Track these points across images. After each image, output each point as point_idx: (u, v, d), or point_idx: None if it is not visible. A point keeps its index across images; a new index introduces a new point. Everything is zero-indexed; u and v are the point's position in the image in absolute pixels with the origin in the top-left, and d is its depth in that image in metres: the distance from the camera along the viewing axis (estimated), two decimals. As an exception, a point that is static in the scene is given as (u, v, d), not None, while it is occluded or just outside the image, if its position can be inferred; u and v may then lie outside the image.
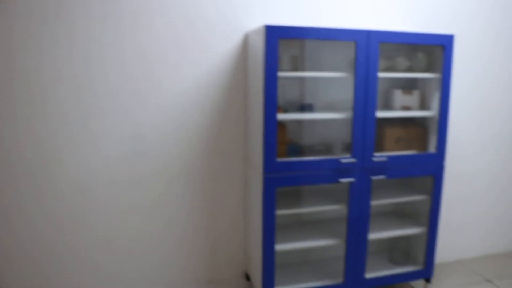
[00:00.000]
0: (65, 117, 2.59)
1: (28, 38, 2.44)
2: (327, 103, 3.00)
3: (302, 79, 2.92)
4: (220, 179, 2.95)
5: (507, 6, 3.43)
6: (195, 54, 2.75)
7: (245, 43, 2.82)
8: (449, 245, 3.71)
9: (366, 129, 2.62)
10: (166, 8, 2.65)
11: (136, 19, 2.60)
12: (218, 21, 2.75)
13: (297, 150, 2.82)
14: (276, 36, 2.34)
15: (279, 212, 2.63)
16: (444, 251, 3.70)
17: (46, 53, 2.49)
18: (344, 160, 2.62)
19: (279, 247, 2.69)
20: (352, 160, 2.63)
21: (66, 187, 2.66)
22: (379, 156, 2.71)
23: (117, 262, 2.84)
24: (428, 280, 3.11)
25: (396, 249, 3.17)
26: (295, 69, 2.73)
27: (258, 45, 2.46)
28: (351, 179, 2.65)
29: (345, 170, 2.64)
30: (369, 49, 2.53)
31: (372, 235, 2.89)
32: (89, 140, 2.65)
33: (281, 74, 2.47)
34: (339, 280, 2.86)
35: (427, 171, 2.86)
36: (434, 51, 2.87)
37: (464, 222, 3.72)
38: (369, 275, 2.93)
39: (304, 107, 2.79)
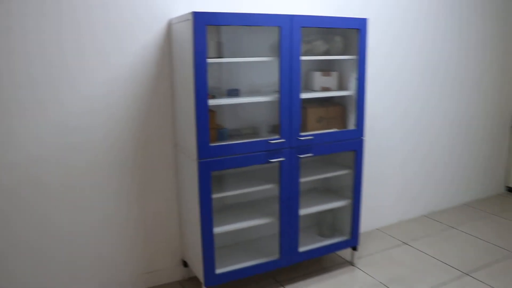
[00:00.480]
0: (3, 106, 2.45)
1: None
2: (252, 88, 3.09)
3: (227, 64, 2.98)
4: (150, 167, 2.94)
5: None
6: (119, 43, 2.70)
7: (169, 30, 2.82)
8: (370, 215, 3.99)
9: (292, 110, 2.75)
10: (86, -3, 2.57)
11: (58, 8, 2.50)
12: (142, 9, 2.72)
13: (227, 134, 2.89)
14: (204, 23, 2.37)
15: (215, 195, 2.69)
16: (365, 220, 3.97)
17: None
18: (273, 141, 2.73)
19: (217, 230, 2.76)
20: (281, 140, 2.75)
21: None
22: (305, 135, 2.85)
23: (48, 263, 2.75)
24: (354, 248, 3.34)
25: (324, 223, 3.36)
26: (221, 55, 2.78)
27: (186, 32, 2.48)
28: (281, 159, 2.77)
29: (275, 151, 2.76)
30: (292, 34, 2.64)
31: (303, 211, 3.05)
32: (8, 135, 2.52)
33: (209, 60, 2.52)
34: (275, 256, 2.99)
35: (349, 146, 3.06)
36: (350, 34, 3.05)
37: (381, 192, 4.02)
38: (302, 249, 3.09)
39: (230, 92, 2.86)
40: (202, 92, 2.44)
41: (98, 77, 2.68)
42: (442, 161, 4.38)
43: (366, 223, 3.99)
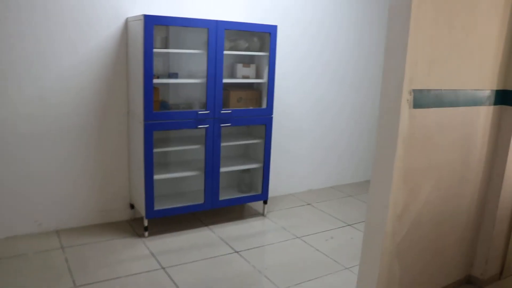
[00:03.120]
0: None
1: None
2: (189, 72, 4.04)
3: (169, 54, 3.93)
4: (108, 129, 3.85)
5: (324, 4, 4.76)
6: (88, 35, 3.61)
7: (126, 26, 3.74)
8: (282, 182, 5.02)
9: (216, 90, 3.73)
10: (64, -3, 3.47)
11: (35, 5, 3.38)
12: (108, 9, 3.63)
13: (168, 106, 3.85)
14: (152, 23, 3.33)
15: (156, 150, 3.64)
16: (280, 186, 4.99)
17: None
18: (201, 112, 3.71)
19: (156, 177, 3.71)
20: (207, 112, 3.73)
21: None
22: (226, 110, 3.85)
23: (30, 194, 3.63)
24: (265, 202, 4.36)
25: (242, 182, 4.37)
26: (165, 47, 3.73)
27: (138, 29, 3.42)
28: (206, 126, 3.76)
29: (202, 120, 3.74)
30: (217, 34, 3.62)
31: (223, 169, 4.04)
32: (4, 96, 3.39)
33: (155, 50, 3.46)
34: (201, 201, 3.97)
35: (260, 121, 4.09)
36: (264, 36, 4.06)
37: (292, 164, 5.06)
38: (222, 198, 4.08)
39: (171, 75, 3.82)
40: (148, 73, 3.39)
41: (67, 60, 3.58)
42: (343, 142, 5.47)
43: (281, 189, 5.02)
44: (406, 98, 2.32)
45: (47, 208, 3.74)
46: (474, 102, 2.77)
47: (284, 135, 4.88)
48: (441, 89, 2.53)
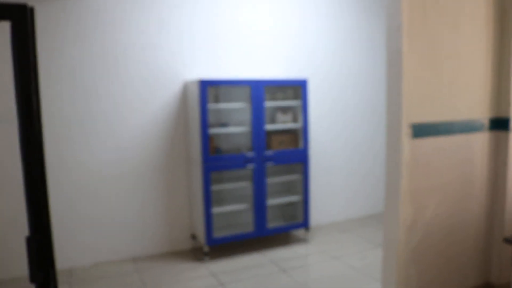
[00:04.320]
0: (80, 127, 4.23)
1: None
2: (237, 122, 4.85)
3: (221, 108, 4.76)
4: (172, 172, 4.69)
5: (350, 54, 5.54)
6: (156, 95, 4.51)
7: (185, 87, 4.63)
8: (322, 213, 5.66)
9: (259, 136, 4.51)
10: (145, 64, 4.39)
11: (111, 75, 4.32)
12: (169, 73, 4.54)
13: (221, 151, 4.65)
14: (206, 85, 4.18)
15: (213, 187, 4.42)
16: (319, 217, 5.64)
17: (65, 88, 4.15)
18: (248, 154, 4.49)
19: (214, 210, 4.47)
20: (253, 153, 4.50)
21: (78, 178, 4.28)
22: (269, 151, 4.61)
23: (111, 227, 4.46)
24: (307, 229, 5.01)
25: (286, 213, 5.06)
26: (217, 102, 4.58)
27: (195, 89, 4.28)
28: (252, 165, 4.52)
29: (249, 160, 4.50)
30: (258, 90, 4.44)
31: (269, 202, 4.76)
32: (89, 146, 4.29)
33: (209, 105, 4.30)
34: (251, 230, 4.68)
35: (298, 159, 4.81)
36: (299, 87, 4.84)
37: (329, 196, 5.71)
38: (269, 226, 4.78)
39: (222, 125, 4.64)
40: (204, 124, 4.22)
41: (139, 116, 4.48)
42: (372, 175, 6.08)
43: (322, 219, 5.66)
44: (405, 131, 3.00)
45: (124, 239, 4.55)
46: (469, 129, 3.38)
47: (320, 170, 5.57)
48: (436, 121, 3.18)
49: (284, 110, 5.00)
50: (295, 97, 4.91)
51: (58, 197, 4.14)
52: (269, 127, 4.70)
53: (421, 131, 3.10)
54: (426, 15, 3.06)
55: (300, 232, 5.27)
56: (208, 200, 4.36)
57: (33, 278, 1.63)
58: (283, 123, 4.90)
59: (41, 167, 1.72)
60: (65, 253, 4.24)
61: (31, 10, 1.55)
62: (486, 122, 3.48)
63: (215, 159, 4.36)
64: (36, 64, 1.60)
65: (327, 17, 5.42)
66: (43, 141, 1.69)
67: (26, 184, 1.54)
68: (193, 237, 4.86)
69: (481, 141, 3.48)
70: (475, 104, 3.41)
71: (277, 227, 4.84)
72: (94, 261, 4.44)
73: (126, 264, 4.47)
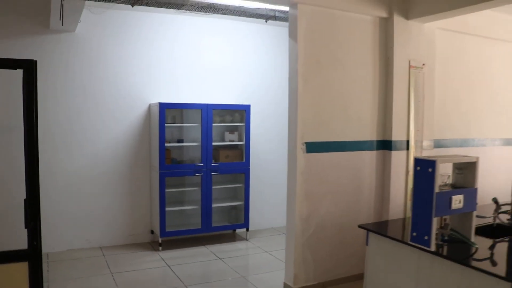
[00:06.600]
0: (63, 139, 5.27)
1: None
2: (190, 138, 5.92)
3: (177, 126, 5.83)
4: (137, 177, 5.73)
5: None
6: (126, 114, 5.57)
7: (150, 109, 5.71)
8: (263, 217, 6.70)
9: (207, 150, 5.59)
10: (117, 89, 5.46)
11: (88, 97, 5.38)
12: (137, 97, 5.62)
13: (176, 161, 5.72)
14: (164, 107, 5.27)
15: (167, 190, 5.47)
16: (261, 221, 6.66)
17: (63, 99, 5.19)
18: (197, 165, 5.56)
19: (168, 209, 5.51)
20: (202, 164, 5.57)
21: (65, 176, 5.30)
22: (215, 163, 5.69)
23: (84, 220, 5.46)
24: (247, 229, 6.06)
25: (231, 215, 6.11)
26: (174, 122, 5.65)
27: (156, 111, 5.36)
28: (201, 174, 5.59)
29: (198, 169, 5.57)
30: (208, 113, 5.53)
31: (214, 205, 5.81)
32: (70, 154, 5.33)
33: (167, 125, 5.38)
34: (199, 226, 5.72)
35: (241, 170, 5.89)
36: (243, 112, 5.94)
37: (268, 203, 6.77)
38: (214, 224, 5.82)
39: (178, 140, 5.71)
40: (162, 139, 5.29)
41: (113, 130, 5.53)
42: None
43: (264, 222, 6.68)
44: (300, 147, 4.10)
45: (95, 231, 5.56)
46: (358, 148, 4.47)
47: (259, 181, 6.60)
48: (329, 141, 4.27)
49: (232, 129, 6.09)
50: (241, 120, 6.01)
51: (42, 196, 5.13)
52: (217, 143, 5.78)
53: (313, 147, 4.19)
54: (320, 62, 4.18)
55: (242, 232, 6.30)
56: (163, 201, 5.39)
57: (26, 225, 2.67)
58: (230, 141, 5.98)
59: (37, 166, 2.77)
60: (44, 241, 5.21)
61: (35, 62, 2.62)
62: (374, 143, 4.58)
63: (170, 167, 5.43)
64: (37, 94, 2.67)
65: (267, 55, 6.56)
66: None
67: (27, 171, 2.60)
68: (152, 232, 5.87)
69: (370, 157, 4.57)
70: (366, 129, 4.50)
71: (221, 226, 5.88)
72: (68, 248, 5.42)
73: (95, 251, 5.46)
